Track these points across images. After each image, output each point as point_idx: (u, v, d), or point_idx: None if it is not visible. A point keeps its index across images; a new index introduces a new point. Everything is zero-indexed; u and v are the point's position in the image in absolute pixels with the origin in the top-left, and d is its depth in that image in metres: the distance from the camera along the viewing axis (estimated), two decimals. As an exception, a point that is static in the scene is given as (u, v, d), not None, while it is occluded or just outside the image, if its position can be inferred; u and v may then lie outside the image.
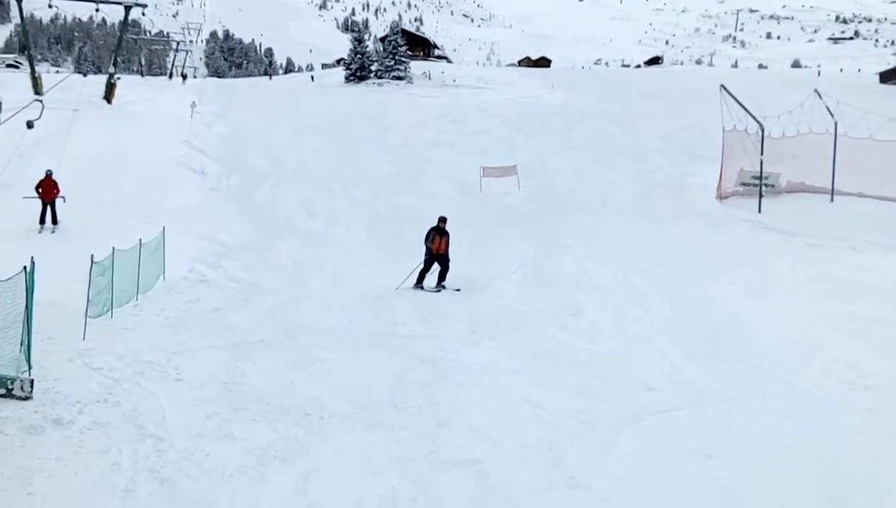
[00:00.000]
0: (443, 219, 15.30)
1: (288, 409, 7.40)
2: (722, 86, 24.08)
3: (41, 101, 18.10)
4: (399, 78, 63.13)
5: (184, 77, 68.59)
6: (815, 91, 25.89)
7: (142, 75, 77.45)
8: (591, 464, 6.33)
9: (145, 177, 22.90)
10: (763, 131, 23.92)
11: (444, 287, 14.71)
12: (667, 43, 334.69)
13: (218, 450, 6.38)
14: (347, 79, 63.58)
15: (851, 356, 9.53)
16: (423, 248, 14.84)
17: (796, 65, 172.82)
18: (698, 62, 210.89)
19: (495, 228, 20.23)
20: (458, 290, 14.36)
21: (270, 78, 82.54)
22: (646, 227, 20.61)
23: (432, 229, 15.06)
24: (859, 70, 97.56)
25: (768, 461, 6.35)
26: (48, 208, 17.76)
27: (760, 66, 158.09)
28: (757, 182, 23.99)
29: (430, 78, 64.86)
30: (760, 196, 23.58)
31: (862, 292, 13.31)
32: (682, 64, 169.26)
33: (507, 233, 19.70)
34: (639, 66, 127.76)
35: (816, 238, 19.36)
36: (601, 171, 28.42)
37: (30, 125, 17.67)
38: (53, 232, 17.58)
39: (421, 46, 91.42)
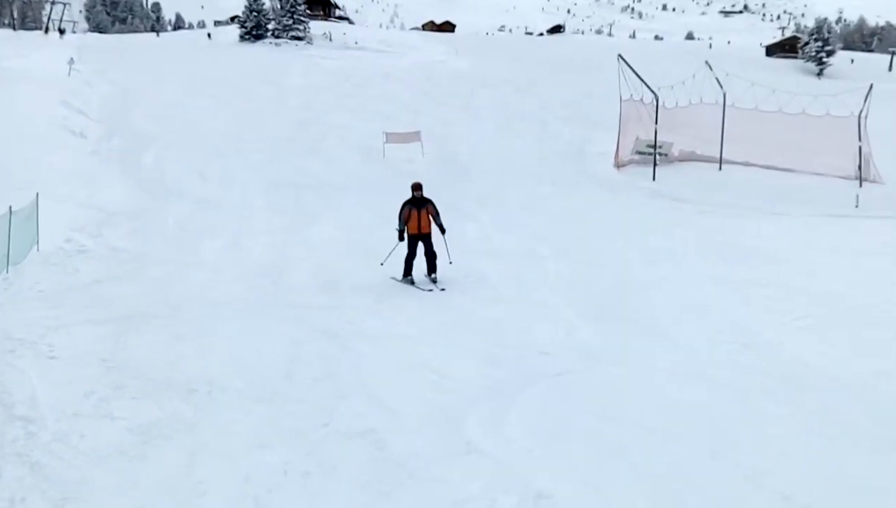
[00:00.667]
0: (417, 187, 12.05)
1: (173, 385, 7.01)
2: (619, 56, 24.56)
3: None
4: (298, 38, 61.51)
5: (61, 32, 64.55)
6: (706, 63, 26.84)
7: (14, 29, 72.50)
8: (488, 429, 6.33)
9: (18, 139, 21.30)
10: (658, 101, 24.61)
11: (434, 281, 11.94)
12: (568, 12, 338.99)
13: (95, 430, 5.98)
14: (242, 37, 61.40)
15: (735, 317, 10.02)
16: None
17: (690, 37, 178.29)
18: (598, 32, 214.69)
19: (399, 195, 19.95)
20: (443, 290, 11.58)
21: (158, 35, 78.64)
22: (547, 194, 20.89)
23: (405, 203, 11.99)
24: (761, 44, 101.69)
25: (658, 419, 6.54)
26: None
27: (656, 38, 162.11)
28: (652, 150, 24.74)
29: (331, 39, 63.55)
30: (655, 164, 24.30)
31: (745, 256, 14.05)
32: (582, 33, 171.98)
33: (410, 199, 19.52)
34: (541, 34, 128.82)
35: (705, 205, 20.24)
36: (504, 138, 28.62)
37: None
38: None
39: (321, 6, 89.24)
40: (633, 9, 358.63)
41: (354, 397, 7.03)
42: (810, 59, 75.92)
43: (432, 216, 11.98)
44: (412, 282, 11.91)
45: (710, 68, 26.25)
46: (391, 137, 25.58)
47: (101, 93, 30.82)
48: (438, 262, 12.03)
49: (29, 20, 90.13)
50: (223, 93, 33.43)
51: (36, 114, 24.70)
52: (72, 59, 36.58)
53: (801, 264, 13.24)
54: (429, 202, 11.99)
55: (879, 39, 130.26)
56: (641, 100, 24.94)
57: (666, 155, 25.42)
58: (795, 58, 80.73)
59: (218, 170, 21.55)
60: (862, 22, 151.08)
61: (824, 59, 75.32)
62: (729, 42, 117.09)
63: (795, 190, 22.05)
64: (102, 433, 5.95)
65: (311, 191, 19.86)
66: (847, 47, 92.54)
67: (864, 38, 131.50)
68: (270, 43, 59.86)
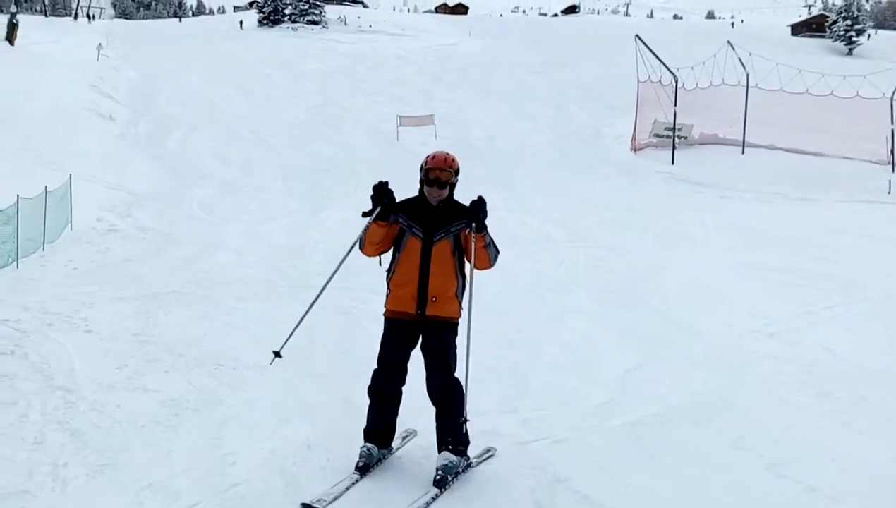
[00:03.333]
0: (437, 166, 4.76)
1: (201, 360, 7.28)
2: (637, 36, 24.51)
3: None
4: (314, 22, 61.84)
5: (90, 17, 65.33)
6: (728, 42, 26.61)
7: (45, 15, 73.30)
8: (504, 411, 6.36)
9: (50, 122, 21.94)
10: (677, 82, 24.51)
11: (444, 479, 4.64)
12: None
13: (129, 402, 6.24)
14: (261, 22, 61.87)
15: (756, 305, 9.88)
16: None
17: (710, 16, 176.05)
18: (614, 11, 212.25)
19: (412, 178, 20.15)
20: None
21: (181, 20, 79.31)
22: (562, 178, 20.91)
23: (396, 205, 4.91)
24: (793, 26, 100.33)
25: (678, 408, 6.49)
26: None
27: (675, 17, 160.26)
28: (670, 133, 24.65)
29: (345, 23, 63.73)
30: (674, 147, 24.22)
31: (768, 242, 13.92)
32: (598, 13, 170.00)
33: (425, 182, 19.67)
34: (556, 15, 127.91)
35: (726, 189, 20.08)
36: (518, 121, 28.63)
37: None
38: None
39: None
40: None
41: (369, 374, 7.20)
42: (839, 38, 73.98)
43: (471, 259, 4.77)
44: (366, 464, 4.87)
45: (733, 48, 26.07)
46: (405, 121, 25.78)
47: (128, 78, 31.44)
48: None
49: (59, 7, 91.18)
50: (242, 78, 33.73)
51: (67, 97, 25.38)
52: (100, 44, 37.25)
53: (827, 252, 13.03)
54: (462, 215, 4.79)
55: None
56: (660, 81, 24.84)
57: (686, 138, 25.29)
58: (823, 37, 78.94)
59: (238, 155, 21.91)
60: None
61: (854, 39, 73.28)
62: (742, 21, 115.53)
63: (823, 174, 21.68)
64: (137, 404, 6.19)
65: (326, 174, 20.14)
66: (878, 26, 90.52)
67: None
68: (287, 27, 60.22)
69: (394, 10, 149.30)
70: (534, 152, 24.28)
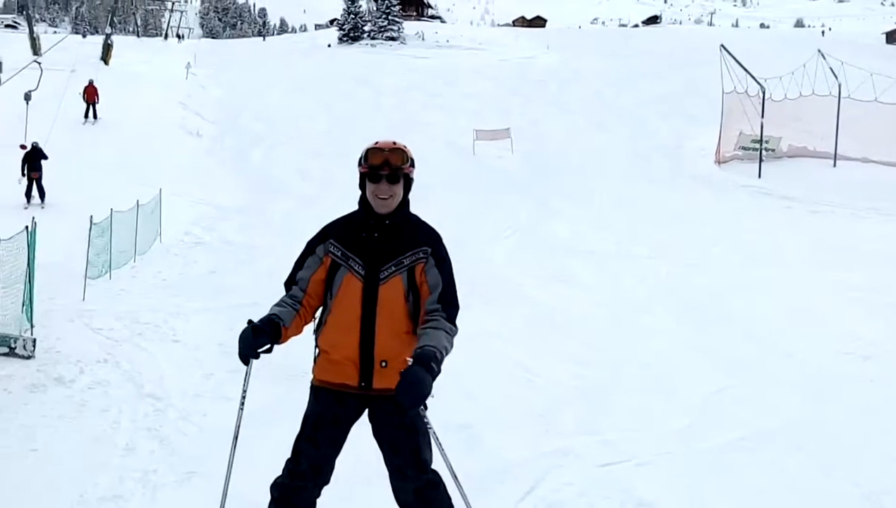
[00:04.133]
0: (386, 146, 3.45)
1: (283, 371, 7.39)
2: (722, 45, 23.89)
3: (39, 64, 18.29)
4: (392, 38, 62.79)
5: (179, 37, 68.06)
6: (819, 51, 25.68)
7: (137, 36, 76.76)
8: (583, 432, 6.26)
9: (143, 138, 23.01)
10: (764, 93, 23.74)
11: None
12: (665, 1, 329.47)
13: (215, 411, 6.43)
14: (341, 39, 63.20)
15: (850, 325, 9.45)
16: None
17: (799, 24, 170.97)
18: (697, 21, 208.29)
19: (488, 192, 20.20)
20: None
21: (264, 39, 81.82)
22: (642, 192, 20.51)
23: (322, 235, 3.70)
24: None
25: (766, 432, 6.28)
26: (91, 107, 26.12)
27: (762, 26, 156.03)
28: (757, 146, 23.84)
29: (423, 38, 64.40)
30: (760, 160, 23.45)
31: (862, 259, 13.22)
32: (680, 23, 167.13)
33: (500, 197, 19.66)
34: (636, 26, 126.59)
35: (817, 204, 19.26)
36: (596, 134, 28.29)
37: (27, 97, 18.27)
38: (94, 123, 25.47)
39: (414, 6, 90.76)
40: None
41: (448, 391, 7.09)
42: (940, 45, 70.65)
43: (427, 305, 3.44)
44: None
45: (823, 57, 25.16)
46: (481, 134, 25.87)
47: (215, 95, 32.68)
48: None
49: (150, 28, 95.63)
50: (322, 94, 34.46)
51: (158, 115, 26.65)
52: (189, 63, 38.75)
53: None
54: (420, 239, 3.54)
55: None
56: (746, 92, 24.14)
57: (773, 150, 24.44)
58: (923, 44, 75.61)
59: (318, 170, 22.40)
60: None
61: (957, 46, 69.79)
62: (830, 29, 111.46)
63: (921, 189, 20.72)
64: (222, 413, 6.31)
65: (406, 190, 20.36)
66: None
67: None
68: (367, 44, 61.33)
69: (471, 24, 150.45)
70: (612, 165, 23.90)
